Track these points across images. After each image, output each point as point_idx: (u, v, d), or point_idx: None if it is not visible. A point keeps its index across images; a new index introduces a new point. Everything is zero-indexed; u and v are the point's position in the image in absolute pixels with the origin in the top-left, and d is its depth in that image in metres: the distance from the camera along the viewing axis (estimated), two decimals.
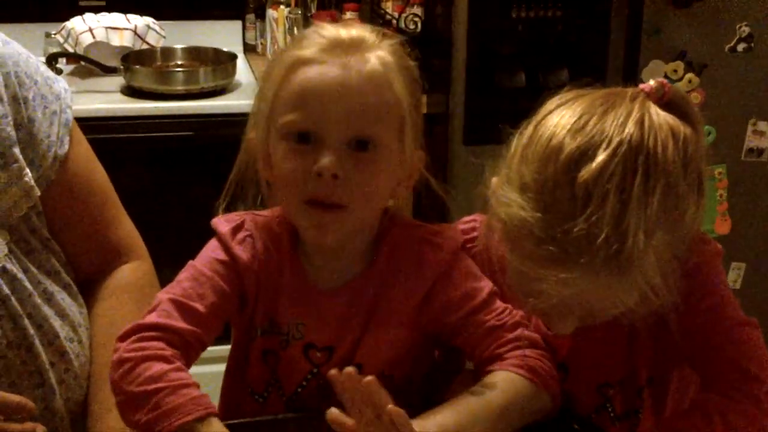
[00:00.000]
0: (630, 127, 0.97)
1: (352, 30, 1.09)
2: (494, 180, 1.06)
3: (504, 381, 1.08)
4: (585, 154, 0.96)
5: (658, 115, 1.00)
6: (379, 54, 1.07)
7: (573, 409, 1.16)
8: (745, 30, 2.39)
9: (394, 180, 1.11)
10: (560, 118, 1.01)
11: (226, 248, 1.14)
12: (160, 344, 1.05)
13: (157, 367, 1.02)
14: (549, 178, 0.97)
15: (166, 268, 1.38)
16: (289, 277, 1.14)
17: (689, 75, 2.37)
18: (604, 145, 0.96)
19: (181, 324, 1.07)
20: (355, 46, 1.07)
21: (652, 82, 1.03)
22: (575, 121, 0.99)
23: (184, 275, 1.12)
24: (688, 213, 0.99)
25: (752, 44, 2.41)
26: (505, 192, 1.01)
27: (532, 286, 0.99)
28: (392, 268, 1.14)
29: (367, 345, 1.14)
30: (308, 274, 1.15)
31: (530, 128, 1.03)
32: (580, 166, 0.95)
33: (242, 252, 1.13)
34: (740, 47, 2.41)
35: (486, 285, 1.15)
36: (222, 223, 1.16)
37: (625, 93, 1.03)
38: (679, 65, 2.36)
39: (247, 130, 1.14)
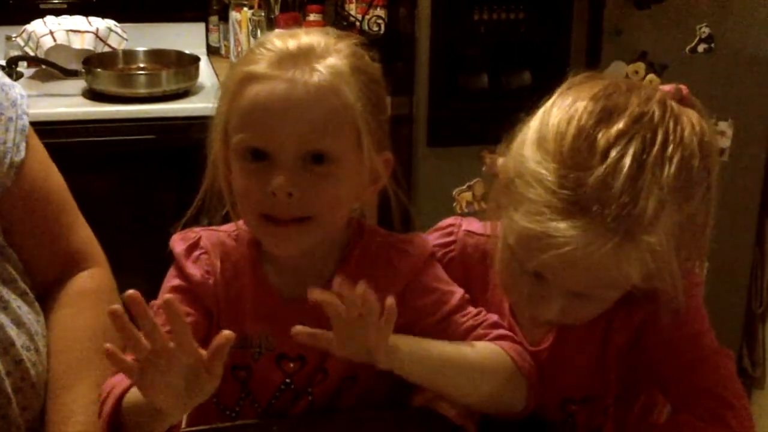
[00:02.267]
0: (653, 105, 0.99)
1: (303, 38, 1.07)
2: (500, 159, 1.06)
3: (485, 347, 1.08)
4: (610, 114, 0.98)
5: (678, 105, 1.02)
6: (329, 62, 1.05)
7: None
8: (705, 31, 2.41)
9: (356, 187, 1.10)
10: (584, 89, 1.02)
11: (180, 270, 1.14)
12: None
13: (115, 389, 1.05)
14: (570, 133, 0.97)
15: (128, 273, 1.37)
16: (252, 290, 1.14)
17: (650, 76, 2.38)
18: (628, 112, 0.98)
19: None
20: (303, 57, 1.04)
21: (670, 86, 1.06)
22: (600, 91, 1.01)
23: None
24: (696, 197, 0.99)
25: (712, 45, 2.43)
26: (521, 150, 1.01)
27: (537, 243, 0.97)
28: (362, 276, 1.14)
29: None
30: (273, 285, 1.14)
31: (551, 99, 1.04)
32: (603, 126, 0.97)
33: (196, 270, 1.14)
34: (700, 48, 2.43)
35: (458, 290, 1.16)
36: (178, 242, 1.16)
37: (645, 84, 1.07)
38: (640, 66, 2.38)
39: (210, 142, 1.12)
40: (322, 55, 1.05)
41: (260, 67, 1.04)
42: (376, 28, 2.55)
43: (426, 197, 2.43)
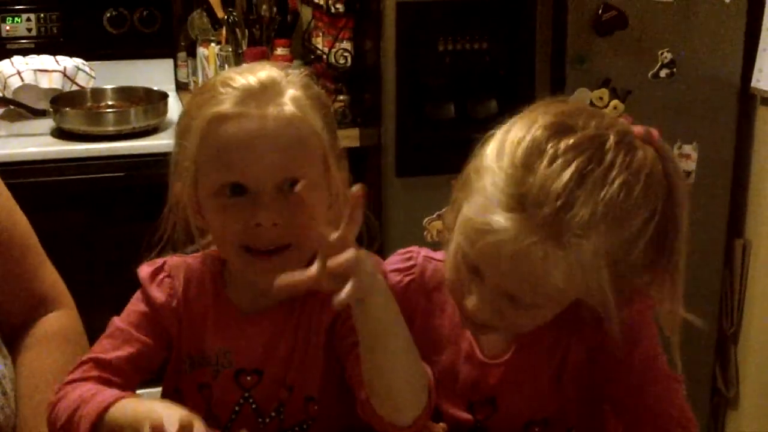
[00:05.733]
0: (611, 132, 1.02)
1: (261, 73, 1.11)
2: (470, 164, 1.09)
3: None
4: (566, 130, 1.01)
5: (640, 142, 1.04)
6: (291, 94, 1.10)
7: None
8: (667, 56, 2.45)
9: (327, 208, 1.13)
10: (550, 108, 1.06)
11: (145, 294, 1.18)
12: (80, 384, 1.11)
13: (75, 395, 1.09)
14: (526, 140, 1.02)
15: (101, 311, 1.37)
16: (213, 308, 1.18)
17: (614, 102, 2.41)
18: (581, 132, 1.01)
19: (96, 374, 1.12)
20: (268, 91, 1.09)
21: (641, 127, 1.07)
22: (564, 110, 1.05)
23: (104, 334, 1.17)
24: (632, 223, 1.01)
25: (674, 70, 2.46)
26: (484, 150, 1.06)
27: (476, 232, 1.02)
28: (313, 291, 1.16)
29: (295, 367, 1.16)
30: (233, 301, 1.18)
31: (519, 114, 1.08)
32: (556, 138, 1.01)
33: (159, 293, 1.17)
34: (663, 73, 2.46)
35: None
36: (144, 268, 1.20)
37: (616, 118, 1.09)
38: (604, 92, 2.41)
39: (171, 182, 1.15)
40: (284, 87, 1.10)
41: (227, 106, 1.08)
42: (342, 61, 2.57)
43: (396, 227, 2.44)
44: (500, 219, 0.99)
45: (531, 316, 1.08)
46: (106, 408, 1.06)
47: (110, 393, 1.08)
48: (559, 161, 0.99)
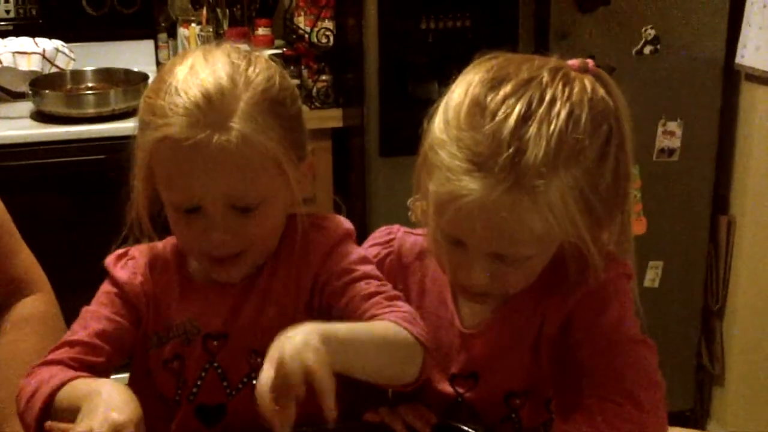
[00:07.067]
0: (544, 71, 1.05)
1: (209, 82, 1.06)
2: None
3: (383, 323, 1.09)
4: (500, 82, 1.03)
5: (576, 74, 1.07)
6: (242, 112, 1.06)
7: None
8: (651, 33, 2.44)
9: (288, 206, 1.14)
10: (482, 66, 1.08)
11: (111, 277, 1.18)
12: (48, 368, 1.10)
13: (37, 378, 1.08)
14: (465, 102, 1.04)
15: (79, 295, 1.35)
16: (177, 283, 1.19)
17: None
18: (517, 78, 1.04)
19: (67, 354, 1.12)
20: (215, 111, 1.05)
21: (575, 60, 1.09)
22: (495, 64, 1.07)
23: (75, 321, 1.18)
24: (588, 151, 1.03)
25: (658, 46, 2.45)
26: (431, 125, 1.08)
27: (444, 203, 1.03)
28: (282, 255, 1.18)
29: (263, 331, 1.14)
30: (195, 271, 1.19)
31: (456, 79, 1.10)
32: (493, 91, 1.03)
33: (123, 273, 1.18)
34: (647, 50, 2.45)
35: (369, 267, 1.18)
36: (109, 257, 1.21)
37: (548, 58, 1.10)
38: None
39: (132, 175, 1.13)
40: (233, 102, 1.06)
41: (175, 129, 1.04)
42: (324, 40, 2.55)
43: (380, 207, 2.43)
44: (463, 183, 1.01)
45: (522, 270, 1.09)
46: (57, 389, 1.05)
47: (65, 375, 1.07)
48: (501, 111, 1.01)
